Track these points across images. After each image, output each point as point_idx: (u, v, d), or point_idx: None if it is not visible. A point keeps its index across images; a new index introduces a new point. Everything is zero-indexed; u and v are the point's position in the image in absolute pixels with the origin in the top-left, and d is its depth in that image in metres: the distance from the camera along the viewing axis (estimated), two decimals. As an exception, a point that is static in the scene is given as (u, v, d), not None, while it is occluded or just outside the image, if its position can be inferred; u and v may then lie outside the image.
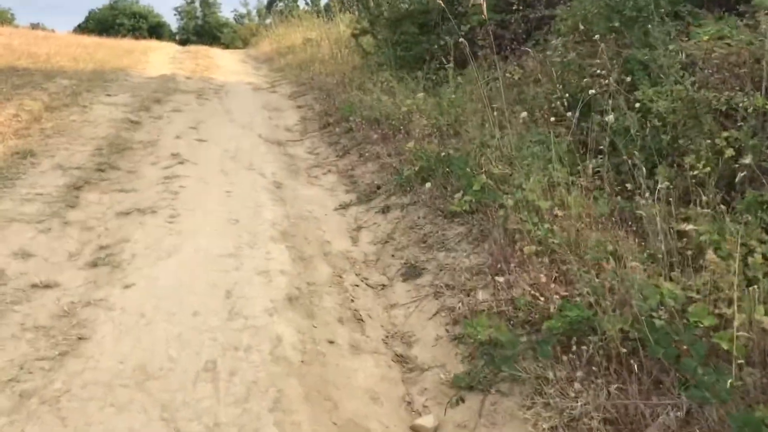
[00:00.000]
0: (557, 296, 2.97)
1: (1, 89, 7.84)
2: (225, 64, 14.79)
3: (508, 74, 6.19)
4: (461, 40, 7.99)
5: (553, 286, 3.05)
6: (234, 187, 5.29)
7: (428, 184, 4.69)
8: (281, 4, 66.92)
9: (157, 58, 14.23)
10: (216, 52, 17.79)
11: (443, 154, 5.06)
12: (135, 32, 59.72)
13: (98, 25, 63.18)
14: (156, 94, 9.02)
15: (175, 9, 62.48)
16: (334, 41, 15.00)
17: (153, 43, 19.62)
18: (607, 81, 4.35)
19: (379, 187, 5.39)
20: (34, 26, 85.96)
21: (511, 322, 3.07)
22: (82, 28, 66.68)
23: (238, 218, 4.55)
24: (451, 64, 7.00)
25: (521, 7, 7.63)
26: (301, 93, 10.32)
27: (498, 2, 7.98)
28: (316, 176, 6.12)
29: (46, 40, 15.44)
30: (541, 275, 3.09)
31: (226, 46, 55.63)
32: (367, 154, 6.33)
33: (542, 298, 3.03)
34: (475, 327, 2.96)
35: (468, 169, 4.58)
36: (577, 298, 2.93)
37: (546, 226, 3.57)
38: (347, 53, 12.19)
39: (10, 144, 5.92)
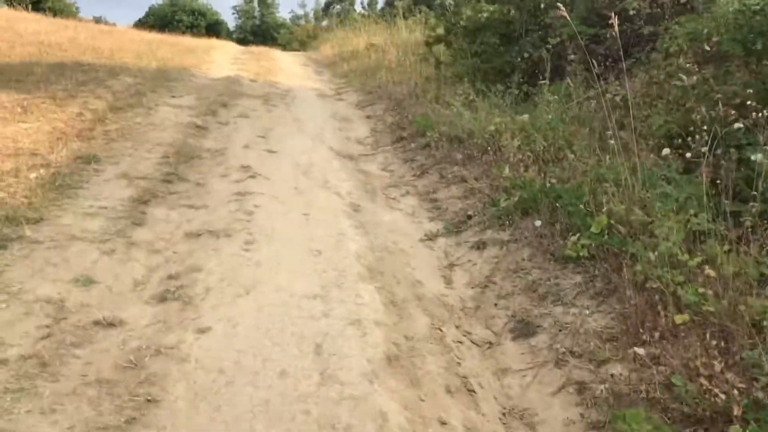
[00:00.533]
0: (735, 390, 2.37)
1: (66, 86, 7.55)
2: (287, 67, 14.45)
3: (609, 94, 5.56)
4: (547, 53, 7.46)
5: (729, 375, 2.45)
6: (311, 208, 4.81)
7: (538, 222, 4.11)
8: (338, 6, 67.25)
9: (220, 58, 13.96)
10: (277, 54, 17.52)
11: (547, 184, 4.49)
12: (193, 29, 60.46)
13: (158, 20, 64.25)
14: (222, 98, 8.65)
15: (234, 8, 63.11)
16: (400, 48, 14.55)
17: (213, 42, 19.48)
18: (756, 113, 3.73)
19: (469, 217, 4.83)
20: (97, 20, 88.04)
21: (669, 415, 2.48)
22: (142, 23, 68.10)
23: (320, 249, 4.05)
24: (545, 81, 6.42)
25: (617, 22, 7.01)
26: (369, 102, 9.85)
27: (589, 15, 7.37)
28: (395, 198, 5.61)
29: (109, 35, 15.39)
30: (714, 362, 2.48)
31: (283, 47, 55.85)
32: (449, 176, 5.78)
33: (713, 388, 2.43)
34: (629, 423, 2.38)
35: (582, 206, 3.99)
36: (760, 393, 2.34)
37: (697, 288, 2.97)
38: (415, 61, 11.68)
39: (74, 147, 5.56)
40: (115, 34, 16.80)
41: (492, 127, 6.02)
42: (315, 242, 4.14)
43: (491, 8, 8.42)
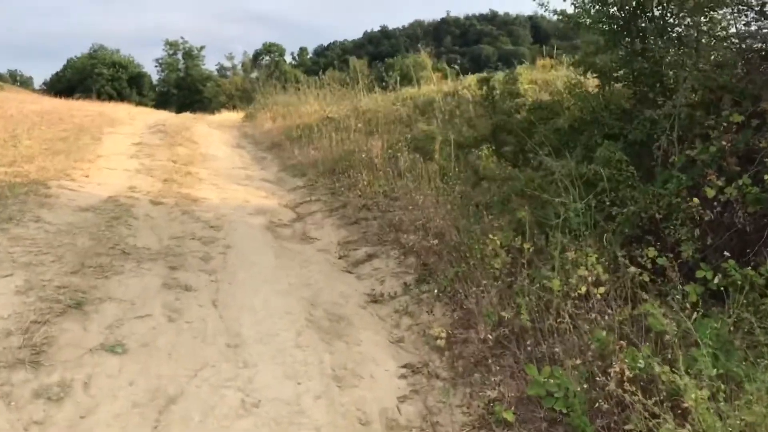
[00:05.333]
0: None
1: None
2: (215, 155, 9.98)
3: None
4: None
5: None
6: None
7: None
8: (267, 58, 63.24)
9: (116, 146, 9.35)
10: (200, 131, 12.89)
11: None
12: (114, 82, 55.21)
13: (76, 73, 58.45)
14: (80, 275, 4.14)
15: (156, 60, 58.17)
16: (373, 125, 10.36)
17: (119, 111, 14.81)
18: None
19: None
20: (12, 74, 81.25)
21: None
22: (59, 77, 62.04)
23: None
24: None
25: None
26: (363, 242, 5.56)
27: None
28: None
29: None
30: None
31: (210, 101, 51.04)
32: None
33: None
34: None
35: None
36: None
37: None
38: (411, 158, 7.51)
39: None
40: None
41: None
42: None
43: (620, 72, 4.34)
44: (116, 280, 4.19)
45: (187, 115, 19.74)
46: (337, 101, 13.34)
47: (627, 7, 4.92)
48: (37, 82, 71.19)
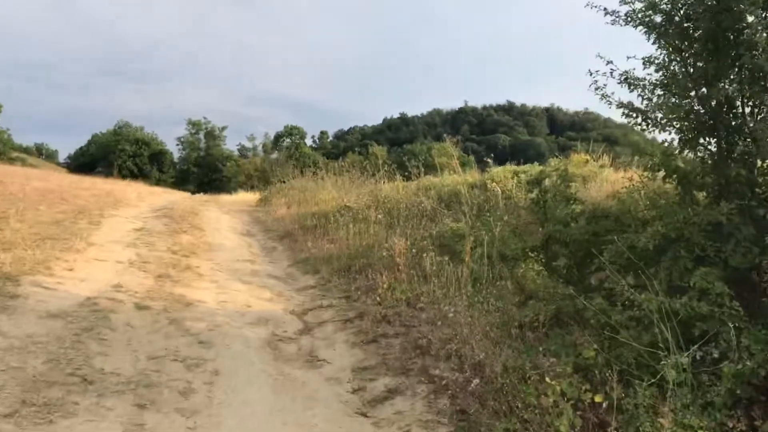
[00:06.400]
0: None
1: None
2: (221, 245, 9.10)
3: None
4: None
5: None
6: None
7: None
8: (287, 140, 63.87)
9: (112, 233, 8.51)
10: (209, 216, 12.09)
11: None
12: (135, 158, 55.63)
13: (99, 149, 59.15)
14: (17, 411, 3.14)
15: (178, 139, 58.86)
16: (394, 216, 9.50)
17: (129, 192, 14.16)
18: None
19: None
20: (38, 147, 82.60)
21: None
22: (83, 152, 62.84)
23: None
24: None
25: None
26: (382, 369, 4.52)
27: None
28: None
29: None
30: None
31: (229, 180, 51.04)
32: None
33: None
34: None
35: None
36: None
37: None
38: (437, 259, 6.57)
39: None
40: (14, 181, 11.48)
41: None
42: None
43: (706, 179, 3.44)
44: (62, 427, 3.18)
45: (198, 197, 19.11)
46: (356, 188, 12.59)
47: (710, 103, 4.08)
48: (62, 156, 72.31)
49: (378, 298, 6.17)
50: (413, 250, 7.12)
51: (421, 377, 4.35)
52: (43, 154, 74.34)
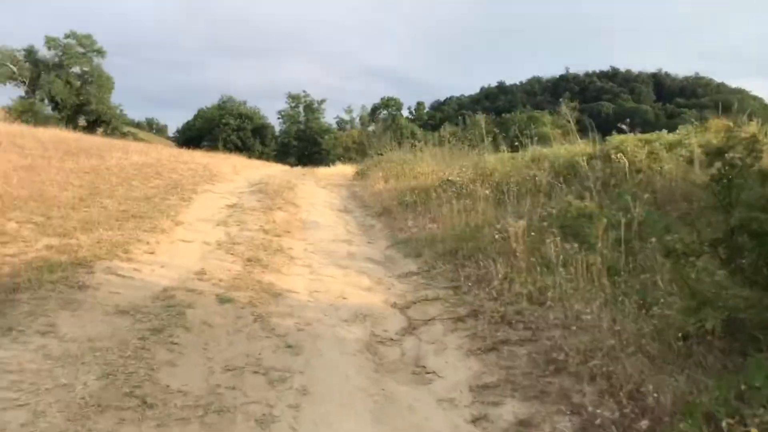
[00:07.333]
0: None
1: None
2: (316, 222, 8.37)
3: None
4: None
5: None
6: None
7: None
8: (384, 112, 63.14)
9: (203, 210, 7.97)
10: (305, 191, 11.43)
11: None
12: (239, 132, 56.77)
13: (205, 123, 60.91)
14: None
15: (279, 112, 59.57)
16: (501, 191, 8.38)
17: (225, 165, 13.80)
18: None
19: None
20: (149, 121, 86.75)
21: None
22: (189, 126, 65.10)
23: None
24: None
25: None
26: (508, 390, 3.55)
27: None
28: None
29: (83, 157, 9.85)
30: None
31: (328, 153, 51.07)
32: None
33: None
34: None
35: None
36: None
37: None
38: (562, 245, 5.45)
39: None
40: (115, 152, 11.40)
41: None
42: None
43: None
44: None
45: (297, 171, 18.66)
46: (457, 160, 11.51)
47: None
48: (171, 130, 75.47)
49: (493, 292, 5.18)
50: (531, 233, 6.05)
51: (560, 404, 3.34)
52: (153, 128, 77.73)
